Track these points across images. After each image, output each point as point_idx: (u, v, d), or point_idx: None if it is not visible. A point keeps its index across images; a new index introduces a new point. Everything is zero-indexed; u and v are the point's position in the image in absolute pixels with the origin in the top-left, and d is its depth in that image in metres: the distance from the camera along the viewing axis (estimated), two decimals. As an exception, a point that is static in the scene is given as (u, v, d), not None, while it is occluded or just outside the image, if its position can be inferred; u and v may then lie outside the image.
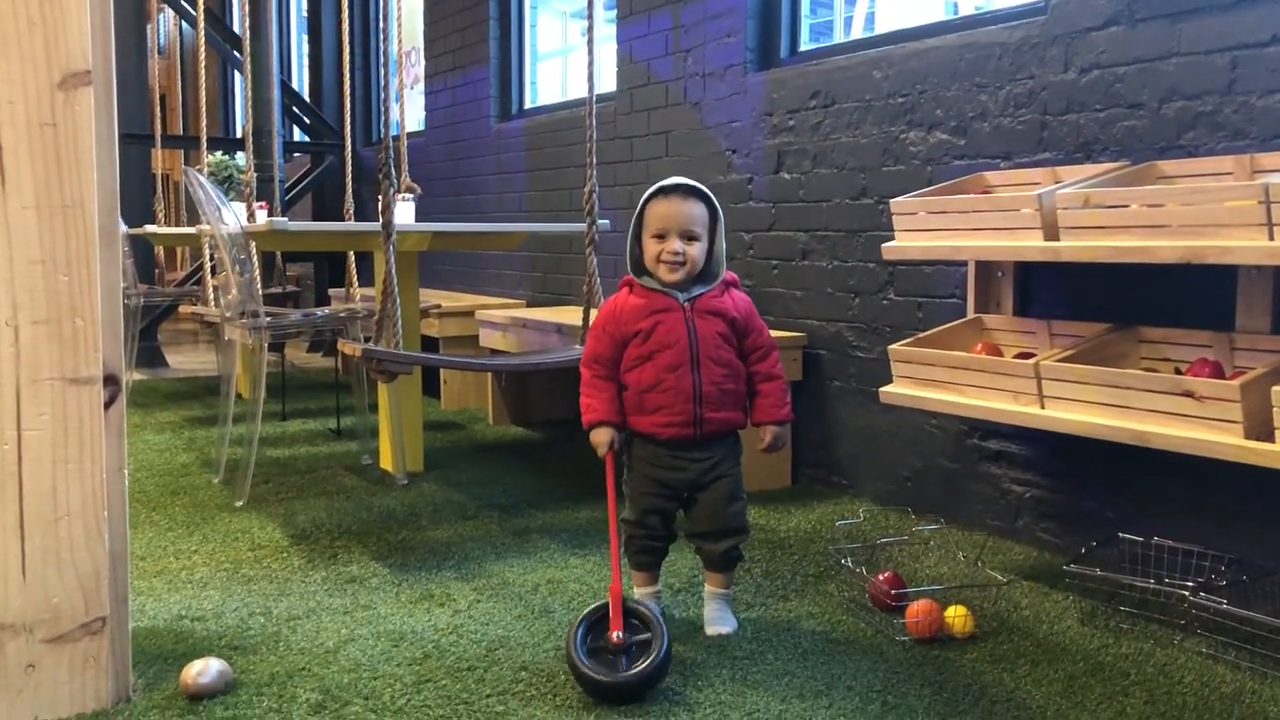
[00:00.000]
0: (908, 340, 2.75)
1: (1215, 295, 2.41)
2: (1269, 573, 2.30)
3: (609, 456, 2.24)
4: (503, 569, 2.68)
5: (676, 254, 2.21)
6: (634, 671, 1.94)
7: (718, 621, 2.29)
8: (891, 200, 2.76)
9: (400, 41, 5.28)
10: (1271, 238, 1.97)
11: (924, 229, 2.66)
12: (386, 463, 3.75)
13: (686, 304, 2.25)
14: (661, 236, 2.23)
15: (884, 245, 2.76)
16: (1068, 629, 2.27)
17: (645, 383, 2.23)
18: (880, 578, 2.37)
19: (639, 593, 2.33)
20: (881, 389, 2.75)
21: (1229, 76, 2.41)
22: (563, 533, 2.99)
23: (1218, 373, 2.23)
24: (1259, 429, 2.02)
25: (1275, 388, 1.97)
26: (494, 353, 4.54)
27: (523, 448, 4.23)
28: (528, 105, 5.75)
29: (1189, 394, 2.09)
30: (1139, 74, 2.59)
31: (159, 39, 11.93)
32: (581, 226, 3.35)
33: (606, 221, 3.46)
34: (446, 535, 2.98)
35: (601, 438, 2.23)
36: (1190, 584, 2.23)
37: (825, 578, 2.61)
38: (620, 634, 2.00)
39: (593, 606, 2.07)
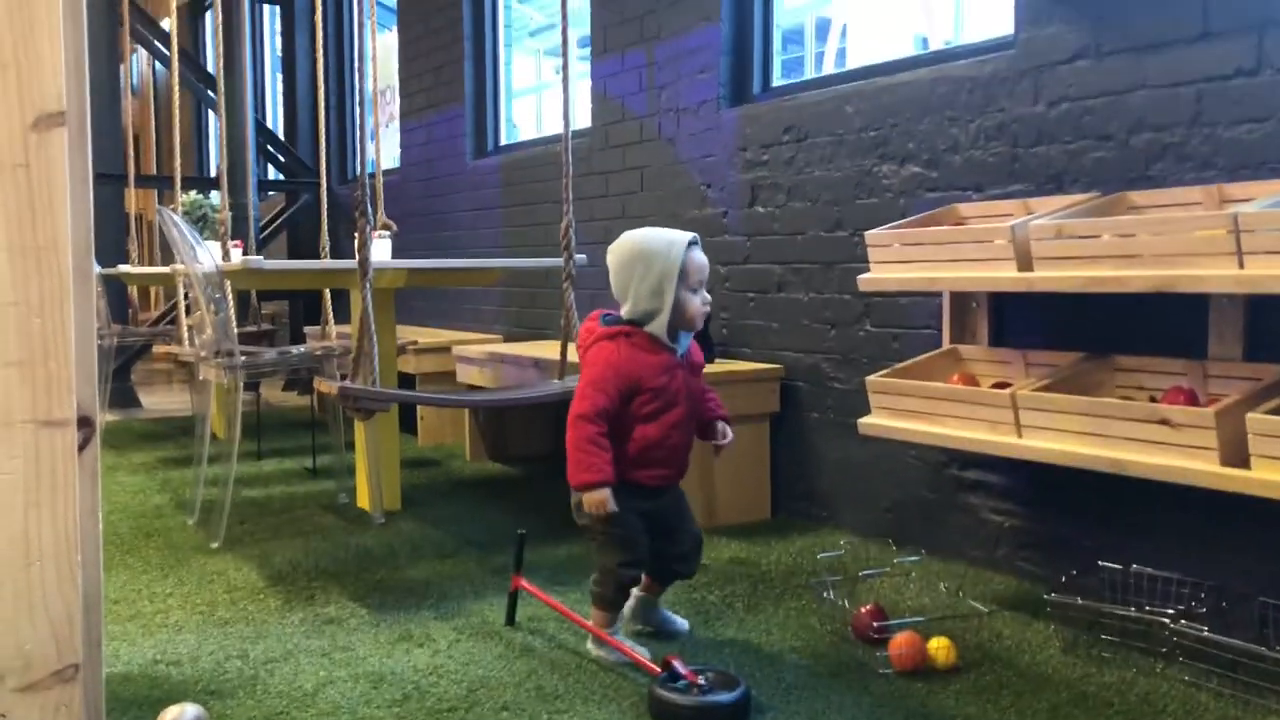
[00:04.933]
0: (885, 371, 2.76)
1: (1187, 323, 2.43)
2: (1247, 598, 2.31)
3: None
4: (482, 608, 2.65)
5: (709, 304, 2.31)
6: (720, 697, 1.95)
7: (677, 621, 2.47)
8: (866, 232, 2.78)
9: (375, 79, 5.29)
10: (1241, 266, 1.99)
11: (899, 260, 2.68)
12: (363, 501, 3.72)
13: (682, 359, 2.29)
14: (695, 290, 2.26)
15: (860, 277, 2.78)
16: (1050, 658, 2.27)
17: (651, 439, 2.25)
18: (863, 610, 2.37)
19: (612, 630, 2.32)
20: (860, 420, 2.75)
21: (1195, 108, 2.45)
22: (543, 569, 2.97)
23: (1192, 400, 2.25)
24: (1234, 455, 2.03)
25: (1249, 414, 1.99)
26: (471, 388, 4.52)
27: (500, 484, 4.21)
28: (503, 142, 5.77)
29: (1165, 422, 2.11)
30: (1107, 106, 2.62)
31: (132, 78, 11.91)
32: (558, 261, 3.35)
33: (584, 256, 3.46)
34: (425, 574, 2.95)
35: (604, 497, 2.20)
36: (1170, 611, 2.23)
37: (807, 611, 2.60)
38: (700, 680, 2.00)
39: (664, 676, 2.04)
